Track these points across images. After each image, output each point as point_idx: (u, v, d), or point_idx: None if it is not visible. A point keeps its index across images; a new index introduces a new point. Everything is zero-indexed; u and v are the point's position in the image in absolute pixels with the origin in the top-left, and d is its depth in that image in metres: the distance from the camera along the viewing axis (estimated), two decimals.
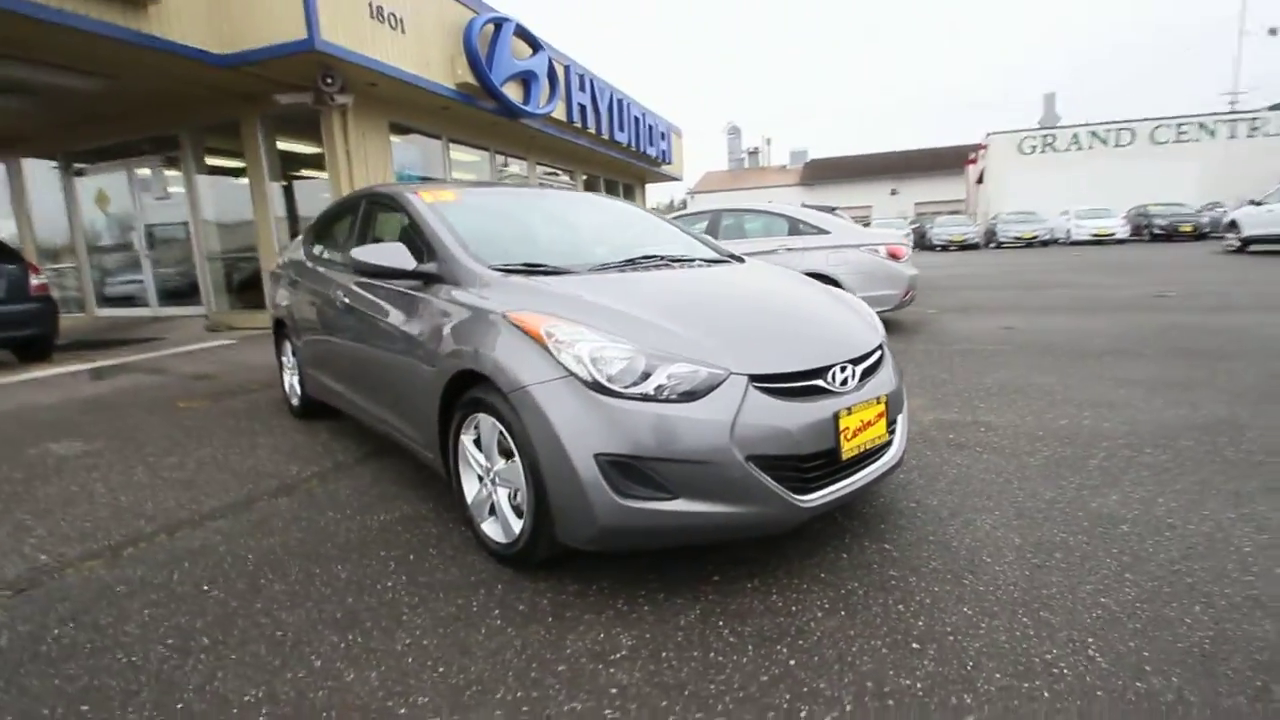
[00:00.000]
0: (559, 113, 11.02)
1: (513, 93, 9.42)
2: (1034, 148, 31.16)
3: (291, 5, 6.31)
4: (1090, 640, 1.67)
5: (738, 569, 2.10)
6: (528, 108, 9.77)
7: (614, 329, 1.98)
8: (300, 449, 3.63)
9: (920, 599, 1.89)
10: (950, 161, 40.53)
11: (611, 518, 1.82)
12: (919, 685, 1.54)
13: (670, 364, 1.87)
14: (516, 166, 12.25)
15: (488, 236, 2.75)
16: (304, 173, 9.05)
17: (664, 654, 1.70)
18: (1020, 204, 27.47)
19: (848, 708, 1.48)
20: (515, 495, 2.13)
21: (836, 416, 1.97)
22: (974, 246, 25.02)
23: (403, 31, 7.58)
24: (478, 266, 2.43)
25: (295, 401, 4.25)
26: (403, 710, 1.54)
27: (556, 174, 13.99)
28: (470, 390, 2.22)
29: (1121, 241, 23.06)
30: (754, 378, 1.91)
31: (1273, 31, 29.12)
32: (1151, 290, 8.80)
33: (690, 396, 1.84)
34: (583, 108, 11.82)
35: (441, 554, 2.33)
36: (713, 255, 3.12)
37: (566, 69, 11.11)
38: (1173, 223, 22.70)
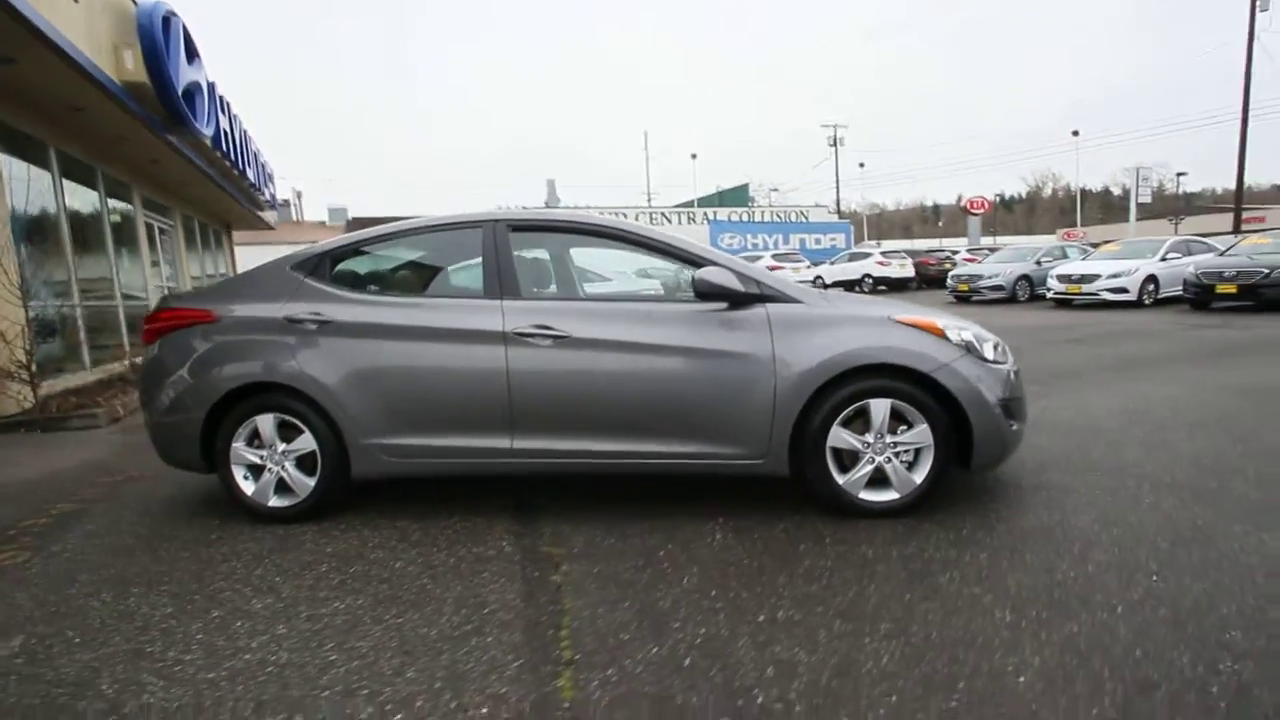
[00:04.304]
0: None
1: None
2: None
3: None
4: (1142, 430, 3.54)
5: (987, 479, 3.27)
6: (199, 125, 7.63)
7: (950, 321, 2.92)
8: (419, 543, 2.85)
9: (1076, 471, 3.46)
10: None
11: (1011, 440, 2.80)
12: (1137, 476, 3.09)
13: (988, 339, 2.94)
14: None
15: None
16: None
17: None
18: None
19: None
20: (900, 456, 2.77)
21: None
22: None
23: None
24: (802, 285, 2.90)
25: (287, 501, 3.06)
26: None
27: (159, 212, 10.68)
28: (847, 384, 2.73)
29: None
30: None
31: (694, 156, 43.54)
32: None
33: (1004, 359, 2.96)
34: (226, 134, 9.64)
35: (837, 531, 2.70)
36: None
37: (212, 86, 8.97)
38: None
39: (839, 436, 2.77)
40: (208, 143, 8.98)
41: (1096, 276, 13.50)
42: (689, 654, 1.89)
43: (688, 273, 3.73)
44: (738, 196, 52.44)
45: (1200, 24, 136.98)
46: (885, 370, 2.74)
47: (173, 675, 1.89)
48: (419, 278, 3.25)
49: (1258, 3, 22.86)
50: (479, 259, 3.07)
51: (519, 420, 2.90)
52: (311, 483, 3.03)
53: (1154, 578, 2.20)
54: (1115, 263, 13.75)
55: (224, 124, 9.55)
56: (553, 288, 3.34)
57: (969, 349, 2.79)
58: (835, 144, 53.02)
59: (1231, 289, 10.90)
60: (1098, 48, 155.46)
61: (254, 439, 3.07)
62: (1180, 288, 12.38)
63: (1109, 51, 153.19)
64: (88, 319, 7.09)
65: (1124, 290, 13.10)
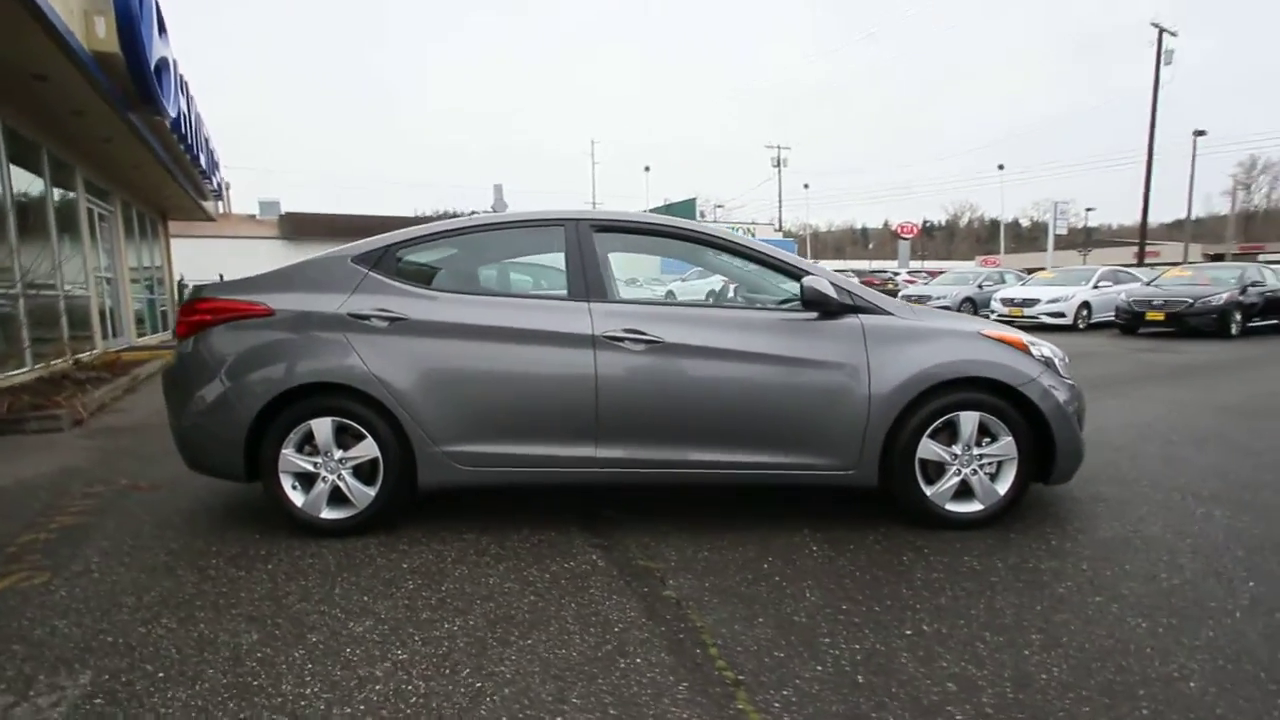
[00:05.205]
0: None
1: None
2: None
3: None
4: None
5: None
6: (167, 103, 7.03)
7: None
8: (532, 550, 2.69)
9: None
10: None
11: (1082, 449, 2.90)
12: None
13: (1058, 354, 3.05)
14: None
15: None
16: None
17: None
18: None
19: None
20: (984, 468, 2.83)
21: None
22: None
23: None
24: (889, 297, 2.93)
25: (343, 513, 2.82)
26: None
27: (99, 197, 9.77)
28: (939, 396, 2.76)
29: None
30: None
31: (647, 169, 43.99)
32: None
33: (1069, 374, 3.08)
34: (185, 116, 8.94)
35: (929, 543, 2.72)
36: None
37: (175, 62, 8.30)
38: None
39: (928, 448, 2.80)
40: (168, 124, 8.33)
41: (1037, 301, 14.46)
42: (857, 671, 1.85)
43: (730, 286, 3.74)
44: (685, 210, 52.79)
45: (1088, 74, 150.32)
46: (974, 383, 2.79)
47: (301, 713, 1.69)
48: (493, 275, 3.08)
49: (1162, 57, 25.32)
50: (559, 257, 2.95)
51: (605, 427, 2.78)
52: (371, 493, 2.81)
53: (1250, 584, 2.32)
54: (1053, 289, 14.76)
55: (182, 105, 8.87)
56: None
57: (1048, 364, 2.89)
58: (779, 164, 54.64)
59: (1160, 316, 11.87)
60: (1011, 93, 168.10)
61: (304, 445, 2.82)
62: (1111, 314, 13.43)
63: (1022, 95, 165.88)
64: (30, 311, 6.38)
65: (1061, 315, 14.06)
